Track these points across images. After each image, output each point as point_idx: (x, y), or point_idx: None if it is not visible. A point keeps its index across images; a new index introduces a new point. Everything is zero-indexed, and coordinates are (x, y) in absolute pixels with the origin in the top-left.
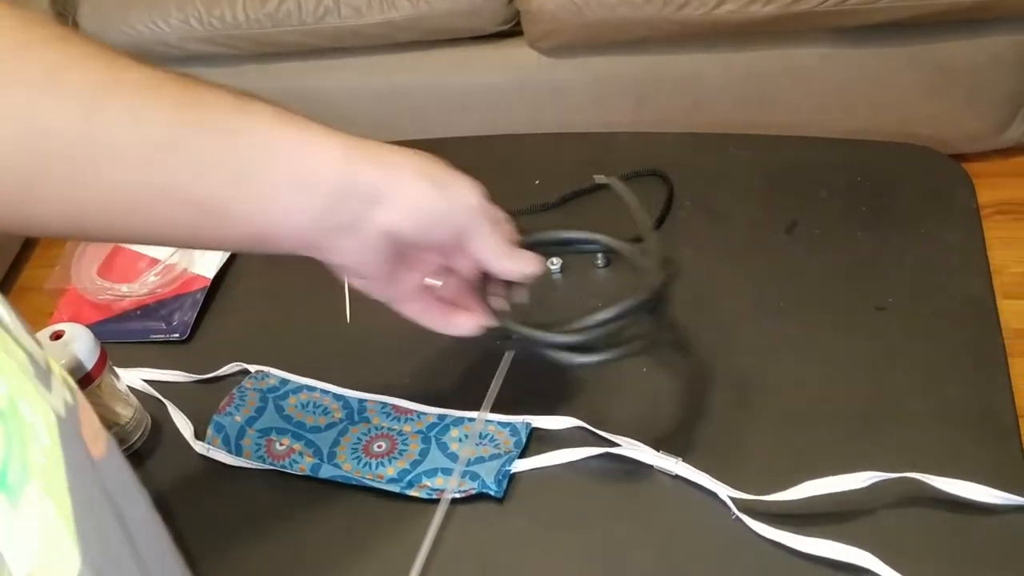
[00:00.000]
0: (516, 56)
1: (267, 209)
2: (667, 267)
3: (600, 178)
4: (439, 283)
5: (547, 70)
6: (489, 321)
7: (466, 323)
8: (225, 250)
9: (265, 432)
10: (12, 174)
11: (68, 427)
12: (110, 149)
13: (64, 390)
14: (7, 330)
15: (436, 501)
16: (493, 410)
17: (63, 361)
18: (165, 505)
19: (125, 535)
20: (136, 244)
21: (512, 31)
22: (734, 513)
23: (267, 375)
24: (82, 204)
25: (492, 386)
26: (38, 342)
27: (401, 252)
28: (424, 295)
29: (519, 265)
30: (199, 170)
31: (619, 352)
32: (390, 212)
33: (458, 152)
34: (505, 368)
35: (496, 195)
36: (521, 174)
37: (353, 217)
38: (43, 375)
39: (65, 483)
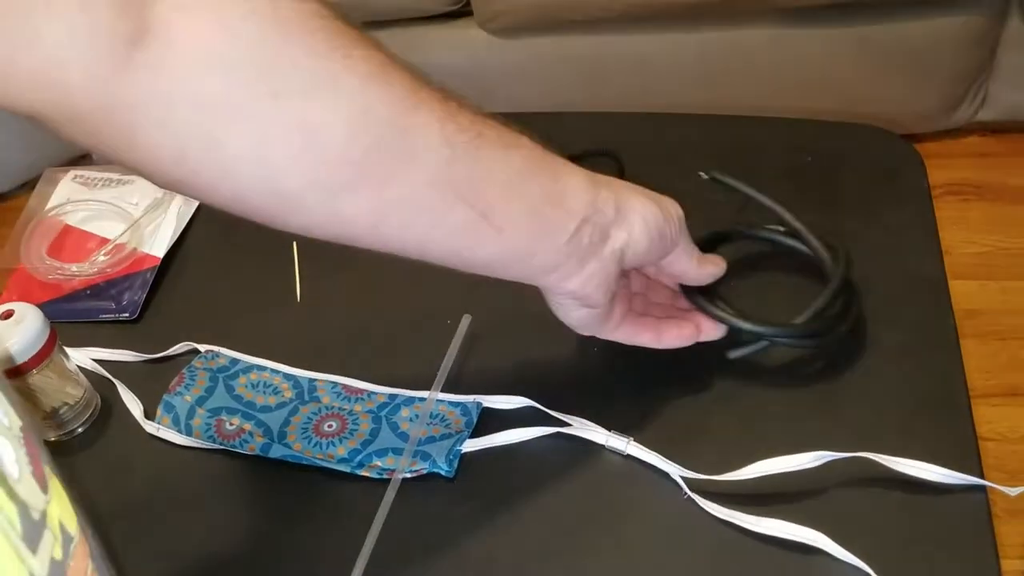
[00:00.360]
0: (466, 37)
1: (527, 225)
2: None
3: (706, 174)
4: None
5: (497, 51)
6: (716, 331)
7: (679, 333)
8: (477, 270)
9: (215, 412)
10: (343, 161)
11: None
12: (424, 144)
13: (55, 545)
14: (4, 480)
15: (387, 481)
16: (444, 389)
17: (11, 342)
18: (114, 486)
19: None
20: (409, 254)
21: (461, 12)
22: (686, 493)
23: (217, 355)
24: (392, 199)
25: (443, 366)
26: (43, 485)
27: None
28: (630, 317)
29: (712, 271)
30: (482, 177)
31: (835, 334)
32: (629, 233)
33: None
34: (456, 348)
35: None
36: None
37: (599, 238)
38: (33, 530)
39: None
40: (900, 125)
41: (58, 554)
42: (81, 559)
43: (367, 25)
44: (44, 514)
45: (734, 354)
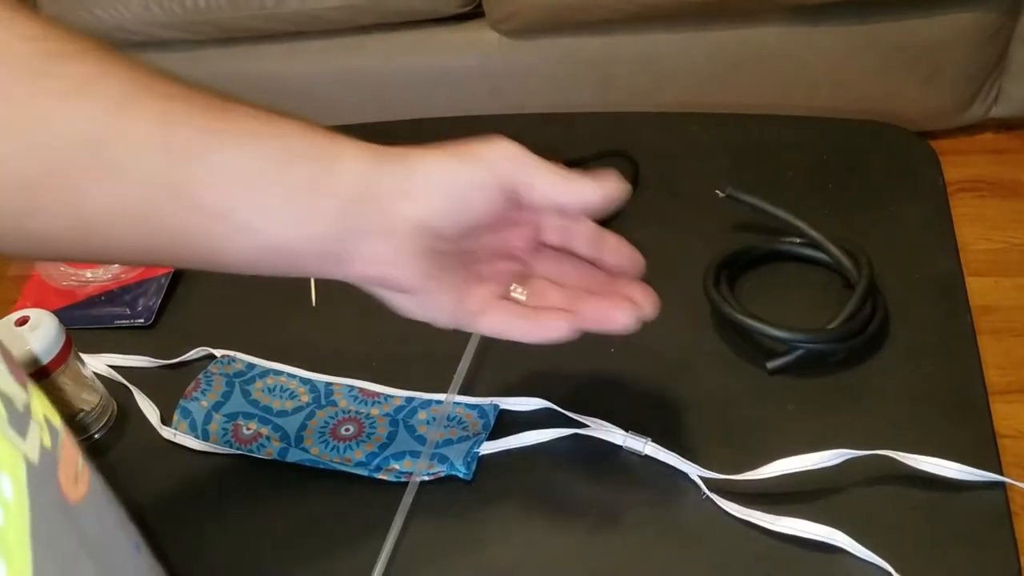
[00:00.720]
0: (478, 38)
1: (280, 218)
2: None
3: (723, 192)
4: (523, 297)
5: (509, 52)
6: (630, 314)
7: (557, 324)
8: (241, 270)
9: (232, 417)
10: (17, 187)
11: (41, 474)
12: (130, 154)
13: (43, 433)
14: None
15: (404, 484)
16: (461, 392)
17: (28, 347)
18: (132, 492)
19: None
20: (145, 263)
21: (473, 13)
22: (704, 493)
23: (233, 360)
24: (91, 214)
25: (460, 368)
26: (23, 383)
27: (455, 253)
28: (501, 306)
29: (596, 186)
30: (217, 175)
31: (865, 335)
32: (419, 201)
33: (419, 134)
34: (472, 350)
35: None
36: None
37: (378, 218)
38: (19, 419)
39: (28, 542)
40: (914, 122)
41: (47, 442)
42: (70, 451)
43: (380, 27)
44: (28, 407)
45: (773, 364)
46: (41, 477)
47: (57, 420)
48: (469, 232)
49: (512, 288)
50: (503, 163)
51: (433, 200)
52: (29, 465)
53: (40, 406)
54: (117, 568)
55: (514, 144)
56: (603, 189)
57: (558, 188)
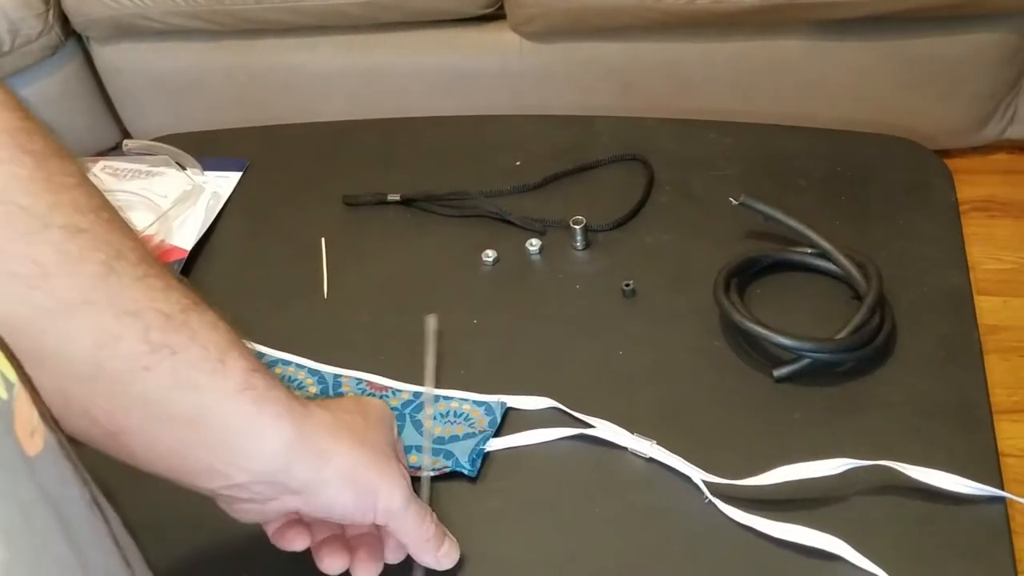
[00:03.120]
0: (499, 40)
1: (214, 463)
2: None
3: (736, 200)
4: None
5: (530, 54)
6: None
7: (337, 564)
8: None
9: None
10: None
11: None
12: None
13: None
14: None
15: (410, 479)
16: (469, 389)
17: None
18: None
19: (64, 532)
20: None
21: (495, 14)
22: (707, 497)
23: None
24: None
25: (428, 358)
26: None
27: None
28: (291, 527)
29: (441, 560)
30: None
31: (872, 347)
32: (304, 505)
33: (438, 132)
34: (432, 337)
35: (477, 175)
36: (502, 155)
37: (270, 497)
38: None
39: None
40: (929, 140)
41: (2, 394)
42: (25, 405)
43: (402, 25)
44: None
45: (779, 372)
46: None
47: (12, 375)
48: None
49: None
50: (384, 515)
51: (314, 511)
52: None
53: None
54: (75, 522)
55: (403, 498)
56: (447, 564)
57: (420, 553)
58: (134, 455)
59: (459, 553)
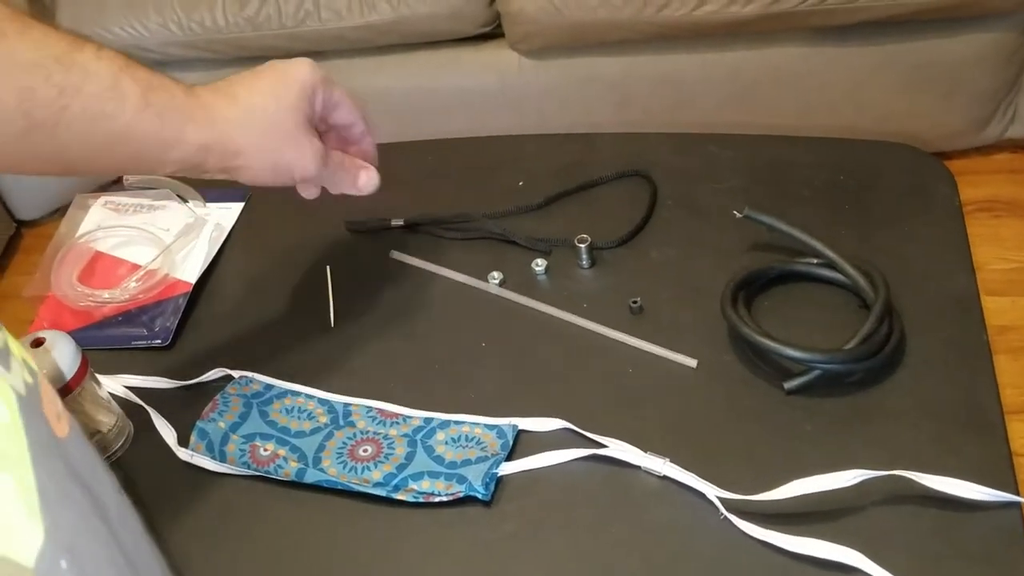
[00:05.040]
0: (497, 58)
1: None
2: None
3: (740, 213)
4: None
5: (529, 72)
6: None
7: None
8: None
9: (249, 438)
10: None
11: (29, 405)
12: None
13: (23, 371)
14: None
15: (423, 504)
16: (479, 412)
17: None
18: (148, 513)
19: (96, 509)
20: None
21: (493, 33)
22: (722, 513)
23: (251, 380)
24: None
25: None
26: None
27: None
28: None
29: (362, 189)
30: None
31: (881, 356)
32: (238, 173)
33: (440, 154)
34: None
35: (480, 196)
36: (504, 175)
37: (204, 172)
38: (1, 356)
39: (28, 458)
40: (931, 143)
41: (28, 379)
42: (49, 392)
43: (400, 47)
44: (6, 344)
45: (790, 385)
46: (29, 407)
47: (33, 364)
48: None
49: None
50: (305, 180)
51: (246, 181)
52: (17, 395)
53: (16, 348)
54: (107, 502)
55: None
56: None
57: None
58: (84, 174)
59: (378, 179)
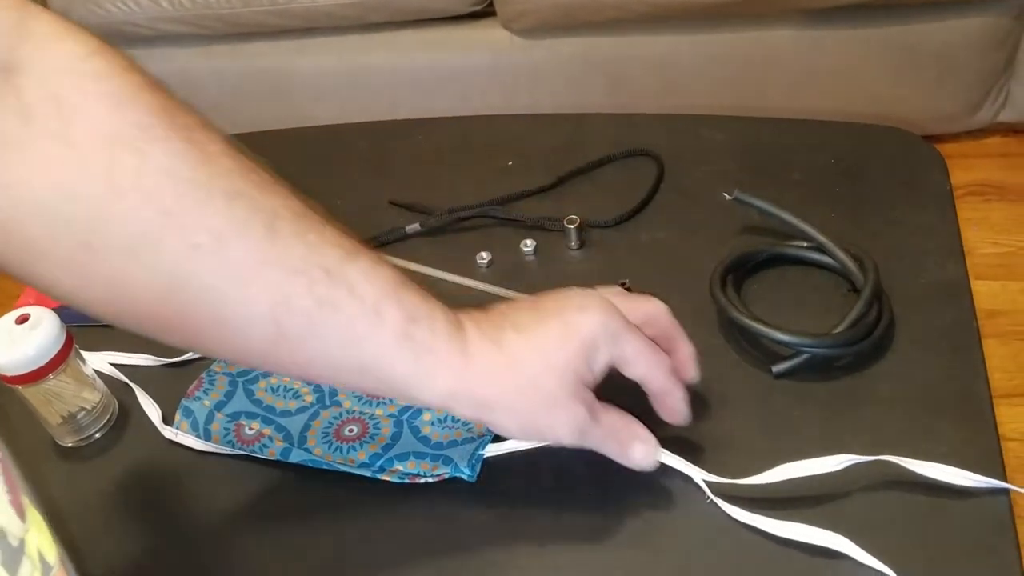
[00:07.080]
0: (489, 37)
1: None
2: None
3: (730, 195)
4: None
5: (520, 51)
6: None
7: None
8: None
9: (234, 416)
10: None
11: None
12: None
13: (35, 572)
14: None
15: (408, 486)
16: None
17: (27, 346)
18: (132, 492)
19: None
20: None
21: (485, 12)
22: (709, 497)
23: None
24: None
25: None
26: (21, 514)
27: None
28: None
29: (633, 461)
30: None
31: (871, 340)
32: (499, 429)
33: (430, 134)
34: None
35: (470, 177)
36: (494, 156)
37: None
38: (11, 557)
39: None
40: (922, 126)
41: None
42: None
43: (391, 25)
44: (23, 542)
45: (778, 368)
46: None
47: (52, 555)
48: None
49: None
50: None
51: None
52: None
53: (36, 538)
54: None
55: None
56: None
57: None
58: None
59: (656, 455)
